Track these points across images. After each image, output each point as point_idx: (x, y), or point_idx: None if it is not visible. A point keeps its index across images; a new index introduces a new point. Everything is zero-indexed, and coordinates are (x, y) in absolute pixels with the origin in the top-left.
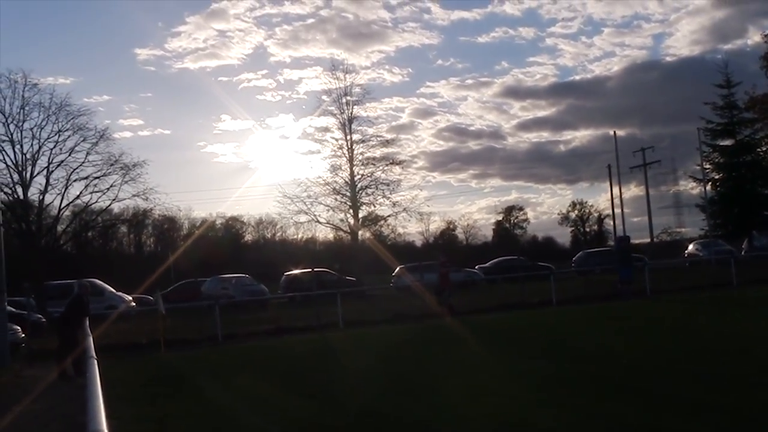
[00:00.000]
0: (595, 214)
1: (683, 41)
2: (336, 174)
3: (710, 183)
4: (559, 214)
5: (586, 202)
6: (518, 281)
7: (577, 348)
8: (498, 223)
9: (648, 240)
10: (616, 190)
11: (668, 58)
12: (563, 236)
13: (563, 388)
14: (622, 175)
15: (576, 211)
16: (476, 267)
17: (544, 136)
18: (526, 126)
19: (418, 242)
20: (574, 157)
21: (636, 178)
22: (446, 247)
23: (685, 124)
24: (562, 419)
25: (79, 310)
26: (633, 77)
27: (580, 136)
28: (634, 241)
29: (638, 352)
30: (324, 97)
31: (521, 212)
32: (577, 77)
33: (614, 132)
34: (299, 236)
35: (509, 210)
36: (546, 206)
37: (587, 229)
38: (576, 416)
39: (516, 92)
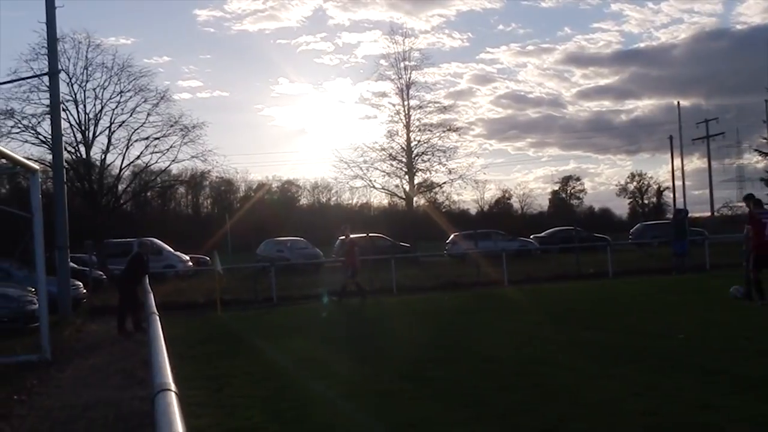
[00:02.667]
0: (654, 186)
1: (755, 8)
2: (392, 139)
3: None
4: (617, 185)
5: (645, 174)
6: (574, 252)
7: (632, 320)
8: (554, 193)
9: (708, 214)
10: (677, 162)
11: (738, 26)
12: (621, 208)
13: (616, 360)
14: (685, 147)
15: (635, 183)
16: (531, 236)
17: (606, 105)
18: (587, 94)
19: (473, 210)
20: (636, 127)
21: (698, 150)
22: (503, 216)
23: (753, 96)
24: (609, 390)
25: (140, 267)
26: (700, 46)
27: (642, 105)
28: (694, 214)
29: (695, 327)
30: (382, 62)
31: (578, 182)
32: (642, 45)
33: (678, 102)
34: (354, 201)
35: (566, 180)
36: (604, 177)
37: (646, 201)
38: (625, 388)
39: (578, 59)
